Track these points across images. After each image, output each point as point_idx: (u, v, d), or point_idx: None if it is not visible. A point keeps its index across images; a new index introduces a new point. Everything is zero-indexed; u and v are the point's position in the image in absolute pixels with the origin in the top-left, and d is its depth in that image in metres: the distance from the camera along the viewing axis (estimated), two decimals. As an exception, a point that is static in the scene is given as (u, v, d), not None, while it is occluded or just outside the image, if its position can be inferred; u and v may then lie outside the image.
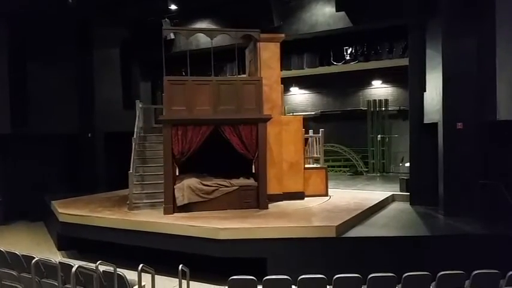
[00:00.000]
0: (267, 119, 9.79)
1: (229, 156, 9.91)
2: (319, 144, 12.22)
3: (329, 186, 11.88)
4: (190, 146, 9.44)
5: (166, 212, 9.29)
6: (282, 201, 10.53)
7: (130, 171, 10.08)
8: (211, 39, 10.07)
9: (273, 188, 10.42)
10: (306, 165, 11.58)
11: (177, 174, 9.54)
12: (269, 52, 10.73)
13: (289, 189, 10.82)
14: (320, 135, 12.16)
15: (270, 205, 9.89)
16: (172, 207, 9.37)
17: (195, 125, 9.49)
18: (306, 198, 10.88)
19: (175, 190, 9.44)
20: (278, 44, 10.88)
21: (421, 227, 8.81)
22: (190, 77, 9.82)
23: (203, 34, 10.94)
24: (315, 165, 12.10)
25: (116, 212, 9.77)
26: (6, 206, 12.87)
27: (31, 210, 12.95)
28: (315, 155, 12.31)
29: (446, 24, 9.61)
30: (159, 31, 10.12)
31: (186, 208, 9.45)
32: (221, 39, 11.08)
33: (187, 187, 9.45)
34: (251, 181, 9.86)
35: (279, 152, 10.78)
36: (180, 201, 9.38)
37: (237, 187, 9.75)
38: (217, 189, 9.66)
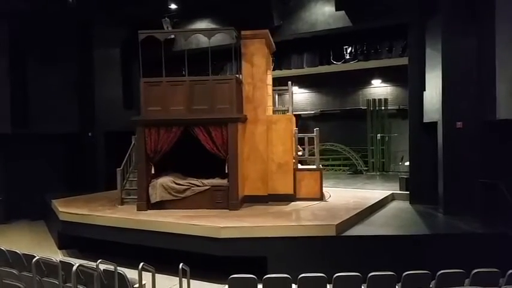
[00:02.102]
0: (236, 119, 9.67)
1: (210, 156, 9.90)
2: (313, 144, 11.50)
3: (329, 185, 11.87)
4: (162, 145, 9.73)
5: (139, 209, 9.64)
6: (267, 203, 10.20)
7: (119, 168, 10.43)
8: (185, 40, 10.12)
9: (256, 189, 10.29)
10: (300, 166, 11.17)
11: (153, 172, 9.85)
12: (253, 49, 10.50)
13: (276, 190, 10.39)
14: (315, 134, 11.31)
15: (254, 207, 9.80)
16: (146, 204, 9.69)
17: (166, 125, 9.70)
18: (297, 202, 10.36)
19: (149, 188, 9.75)
20: (263, 40, 10.54)
21: (421, 225, 8.83)
22: (165, 78, 9.99)
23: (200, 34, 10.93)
24: (308, 166, 11.51)
25: (116, 210, 9.81)
26: (7, 205, 12.88)
27: (32, 209, 12.95)
28: (311, 156, 11.78)
29: (446, 23, 9.62)
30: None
31: (160, 206, 9.70)
32: (221, 38, 11.07)
33: (160, 185, 9.72)
34: (223, 181, 9.82)
35: (265, 152, 10.44)
36: (153, 199, 9.70)
37: (208, 187, 9.81)
38: (189, 188, 9.80)
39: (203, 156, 9.90)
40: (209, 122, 9.65)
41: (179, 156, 10.16)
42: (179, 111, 9.82)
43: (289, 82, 11.69)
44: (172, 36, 13.97)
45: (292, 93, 12.40)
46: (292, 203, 10.31)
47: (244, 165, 10.28)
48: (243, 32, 10.46)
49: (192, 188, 9.79)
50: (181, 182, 9.88)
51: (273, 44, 11.82)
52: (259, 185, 10.37)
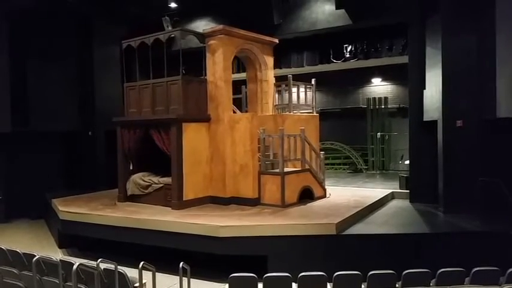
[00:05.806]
0: (175, 120, 9.54)
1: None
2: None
3: (329, 184, 11.80)
4: (131, 145, 10.58)
5: (118, 200, 10.73)
6: (227, 205, 9.86)
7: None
8: (149, 44, 10.22)
9: (218, 191, 10.15)
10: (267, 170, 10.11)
11: (131, 168, 10.84)
12: (213, 47, 10.24)
13: (239, 193, 9.99)
14: (301, 134, 10.33)
15: (204, 208, 9.73)
16: (123, 196, 10.71)
17: (131, 126, 10.56)
18: (258, 206, 9.66)
19: (127, 182, 10.71)
20: (222, 36, 10.10)
21: (421, 224, 8.83)
22: (139, 82, 10.57)
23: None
24: (274, 170, 10.12)
25: (116, 209, 9.82)
26: (8, 204, 12.86)
27: (32, 208, 12.95)
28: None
29: (446, 21, 9.60)
30: (159, 29, 10.14)
31: (133, 199, 10.56)
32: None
33: (132, 181, 10.62)
34: None
35: (225, 152, 10.08)
36: (128, 192, 10.69)
37: (162, 185, 10.08)
38: (150, 185, 10.38)
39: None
40: (157, 123, 9.98)
41: (160, 154, 10.28)
42: (147, 112, 10.42)
43: (289, 76, 11.47)
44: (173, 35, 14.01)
45: (314, 90, 12.29)
46: (236, 207, 9.69)
47: (207, 165, 10.30)
48: (203, 30, 10.48)
49: (152, 185, 10.32)
50: (146, 179, 10.47)
51: (265, 38, 11.46)
52: (220, 186, 10.19)
